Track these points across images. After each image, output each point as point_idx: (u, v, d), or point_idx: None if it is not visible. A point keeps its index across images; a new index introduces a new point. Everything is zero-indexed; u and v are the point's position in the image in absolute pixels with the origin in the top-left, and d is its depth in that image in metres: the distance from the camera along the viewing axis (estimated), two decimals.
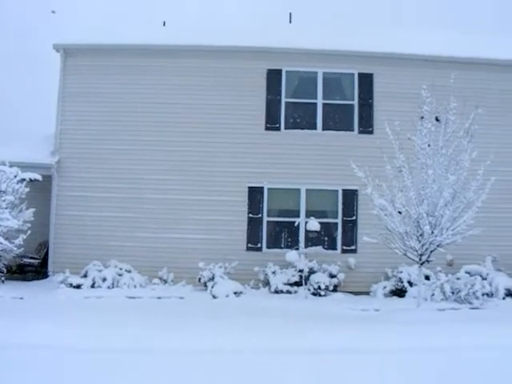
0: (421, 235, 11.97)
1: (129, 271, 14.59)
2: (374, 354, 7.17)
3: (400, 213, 11.97)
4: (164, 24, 18.92)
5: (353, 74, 16.25)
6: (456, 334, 8.87)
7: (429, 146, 12.08)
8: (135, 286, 14.15)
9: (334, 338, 8.45)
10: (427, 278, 14.42)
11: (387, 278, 14.97)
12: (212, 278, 14.17)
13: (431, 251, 12.18)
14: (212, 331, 8.91)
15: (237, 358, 7.07)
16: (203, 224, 15.40)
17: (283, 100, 16.02)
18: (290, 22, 19.59)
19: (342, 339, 8.35)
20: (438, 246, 12.11)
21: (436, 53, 16.25)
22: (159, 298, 13.56)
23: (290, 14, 19.64)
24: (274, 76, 16.02)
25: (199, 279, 14.44)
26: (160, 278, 14.88)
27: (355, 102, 16.16)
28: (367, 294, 14.82)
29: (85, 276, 14.33)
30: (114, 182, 15.65)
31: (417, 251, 12.13)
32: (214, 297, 13.55)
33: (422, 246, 12.04)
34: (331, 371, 6.53)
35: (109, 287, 13.91)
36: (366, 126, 15.97)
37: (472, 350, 7.42)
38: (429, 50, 16.29)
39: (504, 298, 14.17)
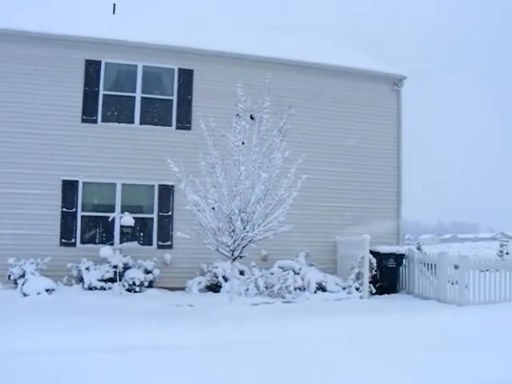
0: (233, 231, 12.08)
1: None
2: (172, 350, 7.02)
3: (213, 209, 12.03)
4: None
5: (173, 70, 16.10)
6: (264, 328, 9.00)
7: (243, 143, 12.21)
8: None
9: (138, 335, 8.24)
10: (242, 273, 14.70)
11: (203, 274, 15.02)
12: (23, 275, 13.41)
13: (243, 247, 12.35)
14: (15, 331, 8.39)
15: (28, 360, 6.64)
16: (12, 218, 14.52)
17: (101, 92, 15.48)
18: (114, 12, 19.08)
19: (141, 336, 8.14)
20: (250, 241, 12.29)
21: (254, 52, 16.59)
22: None
23: (114, 4, 19.13)
24: (92, 67, 15.43)
25: (9, 276, 13.63)
26: None
27: (174, 98, 16.02)
28: (183, 289, 14.74)
29: None
30: None
31: (229, 247, 12.23)
32: (25, 294, 12.79)
33: (234, 241, 12.16)
34: (116, 370, 6.26)
35: None
36: (184, 122, 15.90)
37: (275, 342, 7.51)
38: (248, 50, 16.61)
39: (315, 292, 14.72)
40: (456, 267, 14.45)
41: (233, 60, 16.39)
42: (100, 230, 15.23)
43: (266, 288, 14.12)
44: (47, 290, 13.05)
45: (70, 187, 15.03)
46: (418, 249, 21.16)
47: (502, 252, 29.21)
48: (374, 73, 18.02)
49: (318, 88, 17.23)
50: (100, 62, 15.55)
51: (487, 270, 14.63)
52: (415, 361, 6.02)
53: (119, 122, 15.56)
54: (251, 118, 12.57)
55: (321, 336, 7.72)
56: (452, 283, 14.50)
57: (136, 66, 15.84)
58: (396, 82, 18.12)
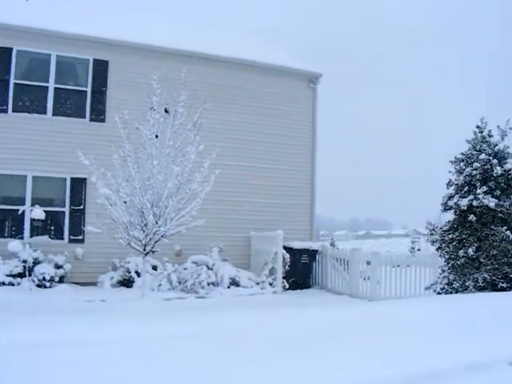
0: (145, 225, 11.98)
1: None
2: (67, 347, 6.77)
3: (125, 202, 11.88)
4: None
5: (88, 60, 15.72)
6: (166, 324, 8.91)
7: (156, 137, 12.13)
8: None
9: (33, 331, 7.93)
10: (155, 268, 14.60)
11: (115, 269, 14.80)
12: None
13: (156, 241, 12.27)
14: None
15: None
16: None
17: (12, 81, 14.95)
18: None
19: (36, 332, 7.83)
20: (162, 236, 12.22)
21: (170, 45, 16.45)
22: None
23: None
24: (3, 54, 14.92)
25: None
26: None
27: (88, 89, 15.65)
28: (95, 284, 14.47)
29: None
30: None
31: (141, 241, 12.12)
32: None
33: (146, 236, 12.06)
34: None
35: None
36: (98, 114, 15.58)
37: (177, 338, 7.42)
38: (164, 42, 16.43)
39: (229, 287, 14.77)
40: (368, 263, 14.79)
41: (149, 52, 16.16)
42: (9, 224, 14.71)
43: (180, 283, 14.06)
44: None
45: None
46: (332, 245, 21.63)
47: (413, 248, 30.24)
48: (290, 69, 18.20)
49: (234, 83, 17.27)
50: (11, 50, 15.00)
51: (398, 266, 15.03)
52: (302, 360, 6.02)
53: (31, 113, 15.06)
54: (166, 111, 12.46)
55: (229, 332, 7.70)
56: (364, 278, 14.84)
57: (50, 55, 15.36)
58: (312, 79, 18.38)
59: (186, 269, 14.58)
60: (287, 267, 15.54)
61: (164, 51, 16.21)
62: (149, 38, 16.49)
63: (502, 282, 12.49)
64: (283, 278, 15.27)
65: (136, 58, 16.08)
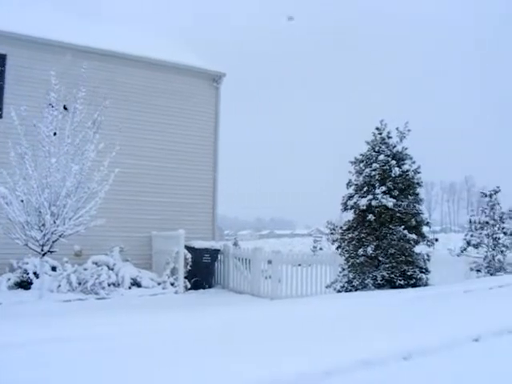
0: (43, 225, 11.67)
1: None
2: None
3: (22, 201, 11.53)
4: None
5: None
6: (62, 326, 8.69)
7: (55, 134, 11.85)
8: None
9: None
10: (54, 269, 14.23)
11: (13, 270, 14.29)
12: None
13: (54, 241, 11.98)
14: None
15: None
16: None
17: None
18: None
19: None
20: (60, 236, 11.95)
21: (70, 40, 15.96)
22: None
23: None
24: None
25: None
26: None
27: None
28: None
29: None
30: None
31: (38, 241, 11.80)
32: None
33: (44, 236, 11.76)
34: None
35: None
36: None
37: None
38: (65, 37, 15.96)
39: (130, 288, 14.57)
40: (270, 262, 14.96)
41: (48, 47, 15.64)
42: None
43: (80, 284, 13.77)
44: None
45: None
46: (235, 244, 21.76)
47: (315, 247, 30.83)
48: (192, 68, 18.15)
49: (135, 80, 17.03)
50: None
51: (300, 265, 15.28)
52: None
53: None
54: (64, 108, 12.19)
55: (123, 334, 7.58)
56: (266, 277, 14.99)
57: None
58: (215, 78, 18.41)
59: (86, 269, 14.30)
60: (189, 267, 15.49)
61: (62, 46, 15.65)
62: (47, 31, 15.99)
63: (400, 280, 12.94)
64: (185, 277, 15.22)
65: (35, 52, 15.50)
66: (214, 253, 16.44)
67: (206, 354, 6.06)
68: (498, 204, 18.05)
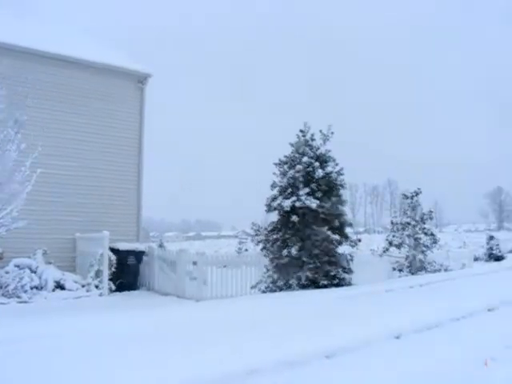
0: None
1: None
2: None
3: None
4: None
5: None
6: None
7: None
8: None
9: None
10: None
11: None
12: None
13: None
14: None
15: None
16: None
17: None
18: None
19: None
20: None
21: None
22: None
23: None
24: None
25: None
26: None
27: None
28: None
29: None
30: None
31: None
32: None
33: None
34: None
35: None
36: None
37: None
38: None
39: (54, 290, 14.35)
40: (195, 263, 14.94)
41: None
42: None
43: (1, 288, 13.44)
44: None
45: None
46: (161, 246, 21.56)
47: (240, 249, 30.96)
48: (117, 68, 17.97)
49: (59, 80, 16.68)
50: None
51: (225, 266, 15.31)
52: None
53: None
54: None
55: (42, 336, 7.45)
56: (191, 279, 14.96)
57: None
58: (141, 79, 18.27)
59: (7, 272, 13.95)
60: (114, 269, 15.34)
61: None
62: None
63: (324, 280, 13.17)
64: (110, 279, 15.07)
65: None
66: (139, 254, 16.31)
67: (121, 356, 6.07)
68: (419, 205, 18.65)
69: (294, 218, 13.27)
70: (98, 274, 15.01)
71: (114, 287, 15.17)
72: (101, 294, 14.61)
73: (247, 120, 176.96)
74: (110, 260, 15.13)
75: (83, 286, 14.88)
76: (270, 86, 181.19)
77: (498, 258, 29.54)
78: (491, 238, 31.30)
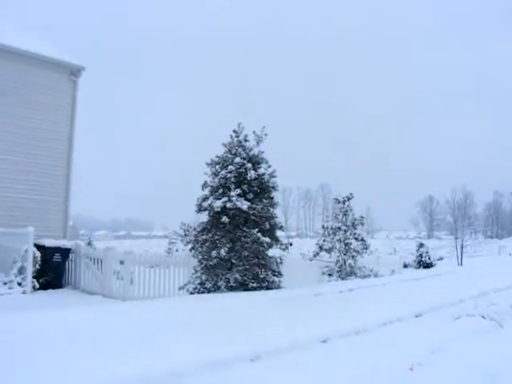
0: None
1: None
2: None
3: None
4: None
5: None
6: None
7: None
8: None
9: None
10: None
11: None
12: None
13: None
14: None
15: None
16: None
17: None
18: None
19: None
20: None
21: None
22: None
23: None
24: None
25: None
26: None
27: None
28: None
29: None
30: None
31: None
32: None
33: None
34: None
35: None
36: None
37: None
38: None
39: None
40: (122, 262, 14.69)
41: None
42: None
43: None
44: None
45: None
46: (89, 244, 21.20)
47: (170, 249, 30.81)
48: (49, 59, 17.47)
49: None
50: None
51: (156, 266, 15.10)
52: None
53: None
54: None
55: None
56: (119, 278, 14.70)
57: None
58: (74, 72, 17.86)
59: None
60: (38, 266, 14.90)
61: None
62: None
63: (253, 282, 13.11)
64: (34, 277, 14.61)
65: None
66: (65, 252, 15.92)
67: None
68: (351, 210, 18.81)
69: (225, 218, 13.18)
70: (21, 271, 14.51)
71: (37, 285, 14.70)
72: (24, 292, 14.13)
73: (186, 118, 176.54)
74: (34, 257, 14.66)
75: (5, 284, 14.35)
76: (206, 85, 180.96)
77: (428, 266, 30.17)
78: (421, 245, 31.98)
